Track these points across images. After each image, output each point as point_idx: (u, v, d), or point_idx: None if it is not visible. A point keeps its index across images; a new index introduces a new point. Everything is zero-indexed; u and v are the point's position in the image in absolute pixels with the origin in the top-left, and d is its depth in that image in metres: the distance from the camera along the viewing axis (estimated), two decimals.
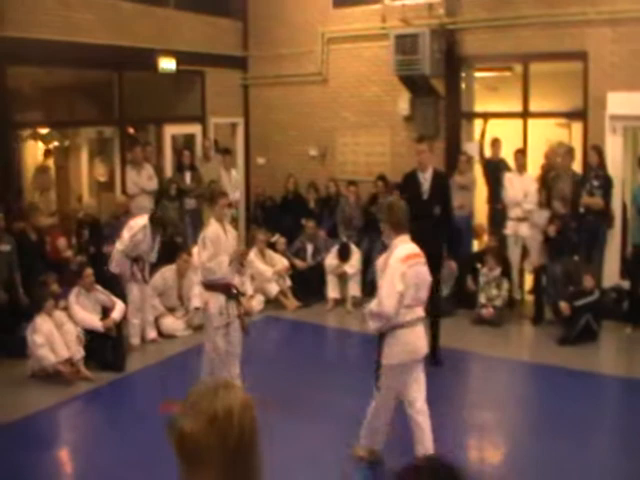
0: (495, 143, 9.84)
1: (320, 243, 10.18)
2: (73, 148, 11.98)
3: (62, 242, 8.80)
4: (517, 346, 8.65)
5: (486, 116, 10.32)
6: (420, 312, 5.13)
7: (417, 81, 10.31)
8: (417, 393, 5.13)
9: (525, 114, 9.90)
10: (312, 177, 11.28)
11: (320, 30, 11.41)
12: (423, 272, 5.13)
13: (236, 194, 10.96)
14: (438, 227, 7.15)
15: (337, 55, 11.39)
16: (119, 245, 8.25)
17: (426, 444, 4.99)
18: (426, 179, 7.23)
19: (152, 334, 8.57)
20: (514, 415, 6.50)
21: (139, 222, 8.33)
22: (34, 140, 11.54)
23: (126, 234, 8.23)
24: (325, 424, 6.12)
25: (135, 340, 8.37)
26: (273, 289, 9.78)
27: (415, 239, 5.32)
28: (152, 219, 8.41)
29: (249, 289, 9.41)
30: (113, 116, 10.57)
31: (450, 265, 7.53)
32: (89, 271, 7.94)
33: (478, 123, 10.45)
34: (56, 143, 11.76)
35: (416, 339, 5.07)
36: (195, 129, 11.71)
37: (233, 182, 11.03)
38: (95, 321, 7.76)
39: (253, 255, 9.83)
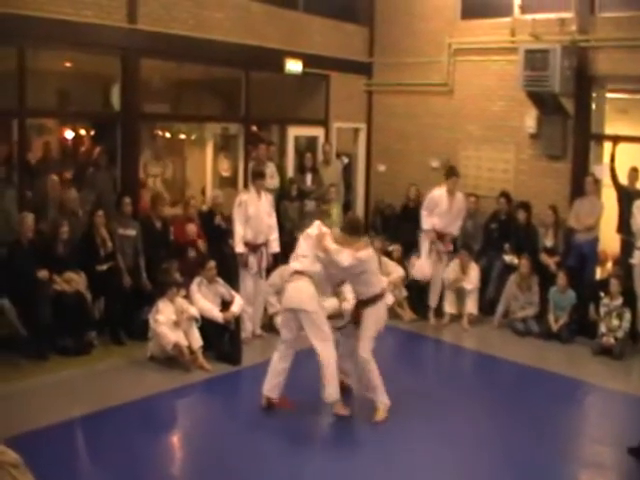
0: (633, 172, 9.42)
1: None
2: (199, 142, 12.27)
3: (191, 228, 8.88)
4: (639, 381, 8.28)
5: (616, 139, 9.95)
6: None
7: (545, 98, 10.08)
8: None
9: None
10: (432, 188, 11.10)
11: (447, 40, 11.32)
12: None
13: None
14: None
15: (463, 67, 11.26)
16: (235, 225, 8.30)
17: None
18: None
19: (257, 331, 8.60)
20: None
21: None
22: (161, 131, 11.90)
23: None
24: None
25: (244, 334, 8.36)
26: (388, 299, 9.61)
27: None
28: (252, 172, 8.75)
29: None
30: (239, 113, 10.78)
31: None
32: (212, 263, 8.04)
33: (607, 146, 10.10)
34: (183, 136, 12.07)
35: None
36: (318, 132, 11.83)
37: None
38: (215, 312, 7.87)
39: None
